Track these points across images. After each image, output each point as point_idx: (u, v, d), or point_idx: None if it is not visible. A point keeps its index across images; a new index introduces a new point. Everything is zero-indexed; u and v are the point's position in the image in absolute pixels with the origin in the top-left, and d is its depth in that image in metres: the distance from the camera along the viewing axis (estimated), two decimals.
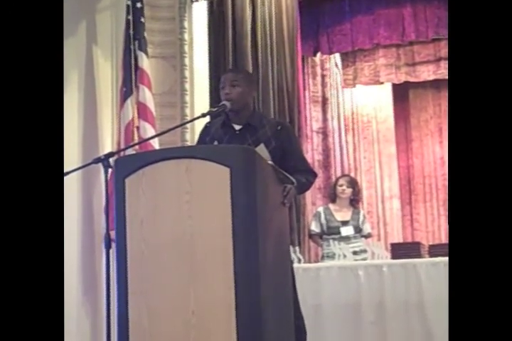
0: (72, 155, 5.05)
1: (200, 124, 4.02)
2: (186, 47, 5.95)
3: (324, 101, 8.27)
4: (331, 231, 6.31)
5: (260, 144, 3.57)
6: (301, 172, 3.62)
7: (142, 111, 5.38)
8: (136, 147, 4.88)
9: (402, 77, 8.13)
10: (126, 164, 3.14)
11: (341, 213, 6.41)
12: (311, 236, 6.54)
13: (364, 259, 5.79)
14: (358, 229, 6.32)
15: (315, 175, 3.79)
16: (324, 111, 8.26)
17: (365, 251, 5.94)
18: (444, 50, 7.65)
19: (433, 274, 5.01)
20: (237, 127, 3.65)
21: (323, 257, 6.27)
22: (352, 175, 7.61)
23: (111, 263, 3.12)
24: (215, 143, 3.63)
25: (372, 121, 8.59)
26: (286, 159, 3.63)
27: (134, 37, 5.45)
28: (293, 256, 5.15)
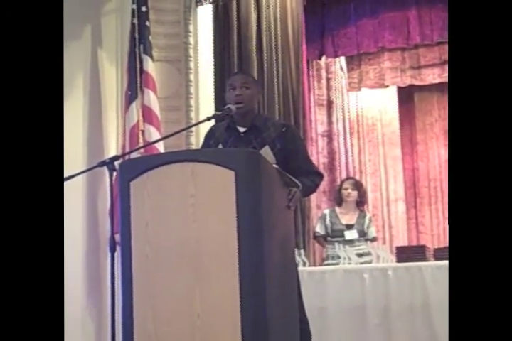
0: (77, 158, 5.07)
1: (205, 128, 4.02)
2: (191, 51, 5.96)
3: (329, 105, 8.27)
4: (334, 234, 6.32)
5: (265, 146, 3.56)
6: (306, 174, 3.60)
7: (147, 114, 5.40)
8: (141, 150, 4.88)
9: (407, 80, 8.11)
10: (131, 167, 3.14)
11: (347, 216, 6.41)
12: (315, 237, 6.54)
13: (368, 262, 5.78)
14: (362, 233, 6.32)
15: (321, 176, 3.76)
16: (329, 114, 8.26)
17: (369, 253, 5.93)
18: None
19: (438, 277, 5.00)
20: (241, 129, 3.64)
21: (327, 258, 6.27)
22: (357, 178, 7.60)
23: (116, 266, 3.12)
24: (220, 145, 3.63)
25: (377, 124, 8.58)
26: (292, 161, 3.60)
27: (139, 40, 5.47)
28: (298, 259, 5.15)
